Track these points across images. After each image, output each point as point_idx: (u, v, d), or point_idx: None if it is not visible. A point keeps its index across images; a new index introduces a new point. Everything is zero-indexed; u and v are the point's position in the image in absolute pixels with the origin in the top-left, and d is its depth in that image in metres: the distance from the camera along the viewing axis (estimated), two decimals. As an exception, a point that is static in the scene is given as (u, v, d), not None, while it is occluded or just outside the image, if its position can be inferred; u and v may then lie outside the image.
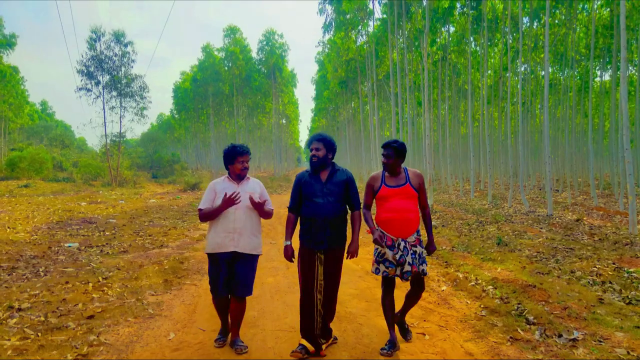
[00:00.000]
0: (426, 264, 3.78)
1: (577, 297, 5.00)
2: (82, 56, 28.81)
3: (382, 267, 3.76)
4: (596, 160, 29.20)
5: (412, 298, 3.98)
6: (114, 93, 29.48)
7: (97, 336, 4.08)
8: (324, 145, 3.77)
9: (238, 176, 3.89)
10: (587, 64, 19.66)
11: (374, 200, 3.95)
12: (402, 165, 3.92)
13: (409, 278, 3.70)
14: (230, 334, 3.96)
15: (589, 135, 16.58)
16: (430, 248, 3.96)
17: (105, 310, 4.84)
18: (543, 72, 20.21)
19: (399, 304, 4.10)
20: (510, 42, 19.03)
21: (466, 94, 20.03)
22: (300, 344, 3.69)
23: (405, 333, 4.08)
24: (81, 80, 28.73)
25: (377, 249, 3.82)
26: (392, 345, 3.74)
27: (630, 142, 17.93)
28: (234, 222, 3.75)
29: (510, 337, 4.05)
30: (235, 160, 3.83)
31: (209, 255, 3.82)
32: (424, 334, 4.20)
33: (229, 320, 3.95)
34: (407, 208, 3.74)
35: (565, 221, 11.26)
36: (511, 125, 25.03)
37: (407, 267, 3.64)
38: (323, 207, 3.69)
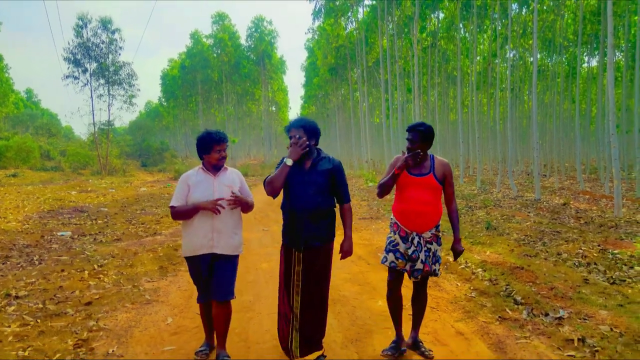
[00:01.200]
0: (439, 264, 3.39)
1: (563, 278, 5.17)
2: (69, 43, 28.42)
3: (390, 257, 3.36)
4: (583, 145, 29.57)
5: (418, 303, 3.52)
6: (102, 81, 29.18)
7: (96, 322, 4.15)
8: (305, 132, 3.25)
9: (214, 167, 3.41)
10: (574, 50, 19.83)
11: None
12: (429, 152, 3.46)
13: (418, 277, 3.32)
14: (216, 346, 3.45)
15: (576, 121, 16.78)
16: (457, 248, 3.44)
17: (102, 297, 4.91)
18: (532, 59, 20.36)
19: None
20: (499, 28, 19.13)
21: (455, 80, 20.16)
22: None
23: (423, 352, 3.47)
24: (68, 68, 28.36)
25: (389, 236, 3.46)
26: (395, 346, 3.47)
27: (617, 127, 18.25)
28: (213, 220, 3.27)
29: (499, 317, 4.20)
30: (211, 149, 3.34)
31: (187, 258, 3.38)
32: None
33: (215, 330, 3.43)
34: (425, 200, 3.31)
35: (552, 205, 11.48)
36: (500, 111, 25.20)
37: (419, 265, 3.26)
38: (301, 199, 3.20)
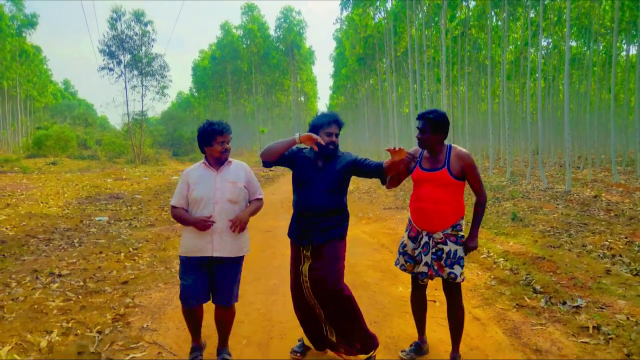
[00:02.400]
0: (461, 267, 2.98)
1: (584, 269, 5.19)
2: (104, 36, 29.37)
3: (401, 260, 3.22)
4: (620, 136, 28.69)
5: (451, 318, 3.15)
6: (135, 72, 30.00)
7: (132, 299, 4.46)
8: (338, 128, 3.12)
9: (217, 160, 3.12)
10: (612, 37, 19.19)
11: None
12: (447, 143, 3.13)
13: (425, 280, 3.13)
14: (217, 345, 3.29)
15: (611, 111, 16.29)
16: (469, 244, 3.03)
17: (137, 277, 5.23)
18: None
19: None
20: (532, 16, 18.69)
21: (487, 70, 19.83)
22: (300, 340, 3.40)
23: None
24: (103, 60, 29.29)
25: (403, 238, 3.29)
26: (416, 347, 3.32)
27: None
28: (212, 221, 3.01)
29: (517, 304, 4.28)
30: (213, 140, 3.05)
31: (182, 258, 3.10)
32: (435, 301, 4.45)
33: (216, 329, 3.26)
34: (439, 198, 3.00)
35: (582, 197, 11.29)
36: (532, 101, 24.67)
37: (422, 268, 3.04)
38: (313, 197, 3.05)
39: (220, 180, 3.08)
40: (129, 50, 29.31)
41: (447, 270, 2.97)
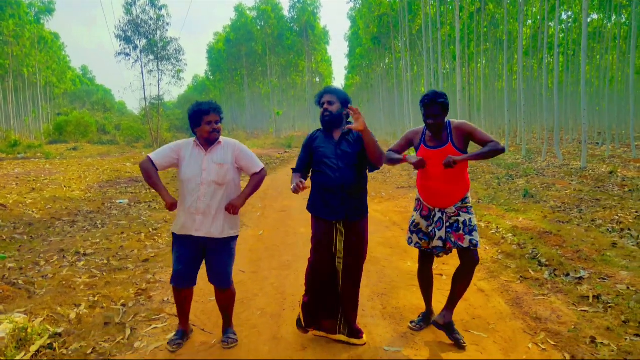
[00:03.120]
0: (476, 232, 3.08)
1: (591, 242, 5.27)
2: (120, 21, 29.63)
3: (414, 238, 3.31)
4: (641, 111, 28.03)
5: (458, 282, 3.15)
6: (151, 57, 30.25)
7: (153, 275, 4.72)
8: (337, 98, 3.10)
9: (206, 140, 3.09)
10: (634, 9, 18.67)
11: None
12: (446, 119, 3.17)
13: (440, 254, 3.22)
14: (222, 324, 3.37)
15: (630, 84, 15.96)
16: (450, 160, 2.92)
17: (157, 255, 5.49)
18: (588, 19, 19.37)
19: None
20: (550, -11, 18.23)
21: (504, 46, 19.51)
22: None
23: (457, 340, 3.13)
24: (120, 45, 29.60)
25: (412, 215, 3.37)
26: (423, 319, 3.46)
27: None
28: (197, 202, 3.02)
29: (521, 277, 4.42)
30: (201, 120, 3.03)
31: (174, 235, 3.15)
32: (442, 275, 4.62)
33: (219, 309, 3.33)
34: (446, 175, 3.08)
35: (598, 173, 11.22)
36: (550, 77, 24.20)
37: (436, 242, 3.13)
38: (337, 173, 3.03)
39: (208, 161, 3.05)
40: (144, 35, 29.54)
41: (468, 237, 3.05)
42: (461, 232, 3.07)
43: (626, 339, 3.09)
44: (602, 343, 3.07)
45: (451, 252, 3.22)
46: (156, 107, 31.92)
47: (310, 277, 3.25)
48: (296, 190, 2.89)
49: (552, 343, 3.14)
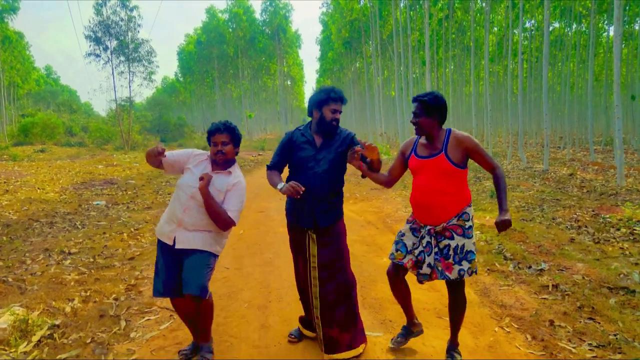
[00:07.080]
0: (470, 262, 2.72)
1: (551, 238, 5.72)
2: (89, 22, 28.99)
3: (392, 248, 2.95)
4: (602, 117, 29.40)
5: (453, 310, 2.92)
6: (122, 58, 29.81)
7: (140, 272, 4.89)
8: (342, 106, 2.99)
9: (214, 161, 2.98)
10: (592, 19, 19.69)
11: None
12: (446, 127, 2.84)
13: (423, 282, 2.87)
14: (198, 340, 3.10)
15: (588, 90, 16.89)
16: (500, 219, 2.58)
17: (142, 253, 5.65)
18: (551, 28, 20.30)
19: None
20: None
21: (471, 52, 20.27)
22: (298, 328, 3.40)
23: (452, 356, 2.95)
24: (89, 46, 29.00)
25: (402, 229, 3.01)
26: (405, 333, 3.15)
27: (632, 97, 18.28)
28: (180, 211, 2.87)
29: (488, 269, 4.80)
30: (210, 139, 2.96)
31: (158, 241, 3.02)
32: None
33: (189, 325, 3.14)
34: (438, 188, 2.74)
35: (559, 175, 11.89)
36: (514, 83, 25.20)
37: (425, 269, 2.76)
38: (312, 178, 2.91)
39: (210, 183, 2.87)
40: (115, 36, 29.08)
41: (457, 268, 2.70)
42: (450, 260, 2.72)
43: (580, 322, 3.48)
44: (559, 325, 3.44)
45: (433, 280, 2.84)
46: (126, 109, 31.45)
47: (295, 280, 3.28)
48: (291, 193, 2.70)
49: (516, 326, 3.49)
